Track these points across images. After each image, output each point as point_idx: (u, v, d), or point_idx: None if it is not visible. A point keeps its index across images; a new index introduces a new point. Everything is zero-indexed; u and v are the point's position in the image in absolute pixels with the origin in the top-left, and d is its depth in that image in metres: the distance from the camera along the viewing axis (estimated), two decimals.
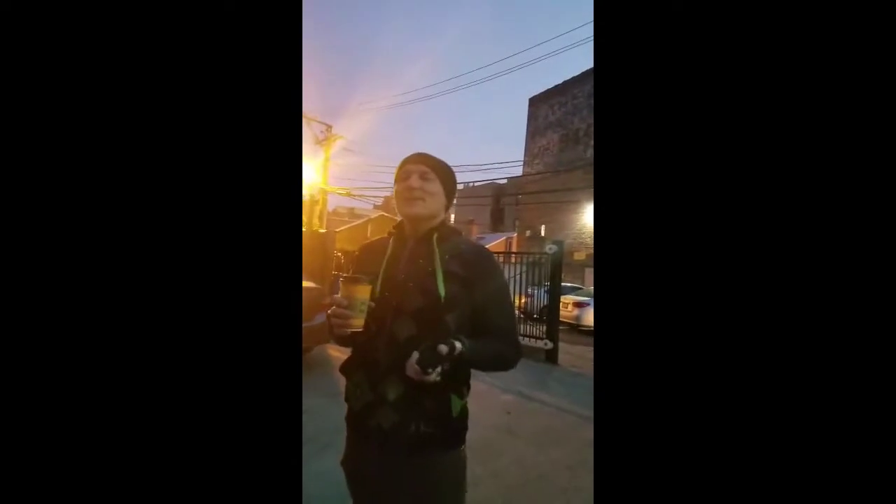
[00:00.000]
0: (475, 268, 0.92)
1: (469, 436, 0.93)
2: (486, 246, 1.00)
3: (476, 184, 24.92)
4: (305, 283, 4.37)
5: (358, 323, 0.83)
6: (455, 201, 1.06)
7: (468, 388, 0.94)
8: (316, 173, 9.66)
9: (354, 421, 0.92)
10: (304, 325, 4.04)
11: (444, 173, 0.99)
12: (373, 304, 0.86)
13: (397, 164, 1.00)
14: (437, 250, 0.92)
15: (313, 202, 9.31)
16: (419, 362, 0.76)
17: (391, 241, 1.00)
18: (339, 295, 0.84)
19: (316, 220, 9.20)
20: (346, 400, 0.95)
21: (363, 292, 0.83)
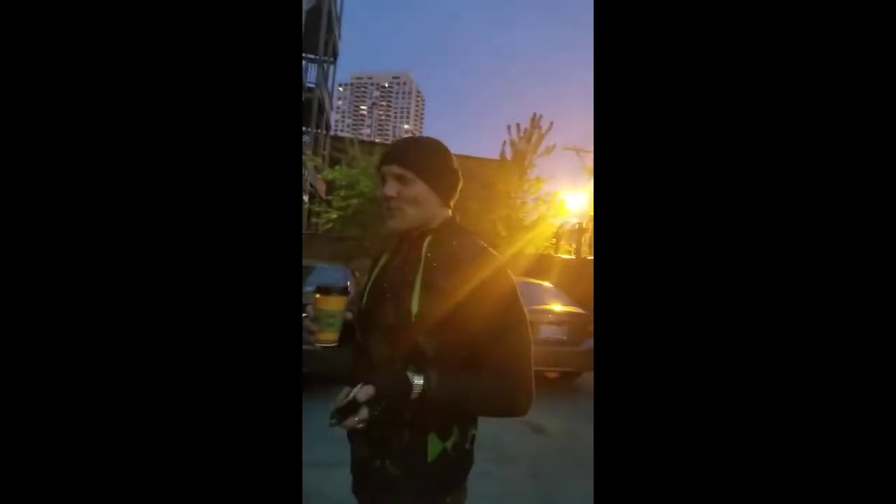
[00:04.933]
0: (462, 277, 0.71)
1: None
2: None
3: None
4: (574, 309, 4.09)
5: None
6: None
7: (462, 429, 0.74)
8: (587, 202, 9.44)
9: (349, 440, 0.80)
10: (571, 349, 3.87)
11: (429, 168, 0.77)
12: (349, 316, 0.78)
13: None
14: (424, 257, 0.76)
15: (582, 230, 9.15)
16: (337, 409, 0.62)
17: (390, 245, 0.86)
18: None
19: (585, 248, 9.07)
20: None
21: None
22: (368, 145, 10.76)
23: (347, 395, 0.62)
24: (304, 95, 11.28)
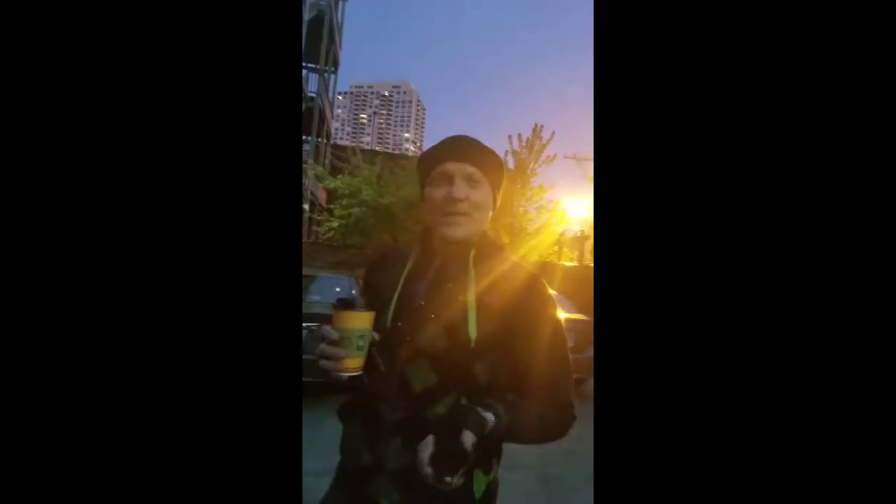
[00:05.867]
0: (521, 302, 0.67)
1: None
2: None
3: None
4: (578, 316, 4.03)
5: (353, 364, 0.61)
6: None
7: (499, 459, 0.70)
8: (588, 209, 9.44)
9: (344, 480, 0.71)
10: (577, 356, 3.73)
11: (495, 171, 0.71)
12: (377, 337, 0.64)
13: None
14: (473, 273, 0.68)
15: (584, 237, 9.19)
16: (434, 465, 0.54)
17: (415, 251, 0.74)
18: (330, 326, 0.62)
19: (587, 255, 9.13)
20: (341, 451, 0.73)
21: (360, 321, 0.62)
22: (370, 154, 10.80)
23: (430, 446, 0.54)
24: (305, 104, 11.34)
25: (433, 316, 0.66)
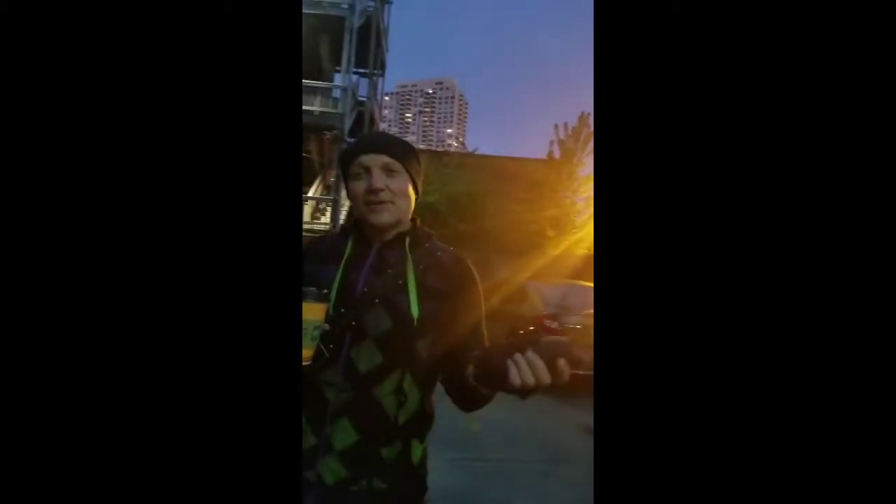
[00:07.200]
0: (454, 281, 0.75)
1: None
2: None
3: None
4: None
5: (307, 353, 0.64)
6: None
7: (429, 429, 0.78)
8: None
9: None
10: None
11: (410, 160, 0.77)
12: (327, 327, 0.68)
13: None
14: (410, 258, 0.75)
15: None
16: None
17: (350, 241, 0.79)
18: None
19: None
20: None
21: (316, 313, 0.65)
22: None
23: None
24: (357, 109, 11.86)
25: (377, 301, 0.72)
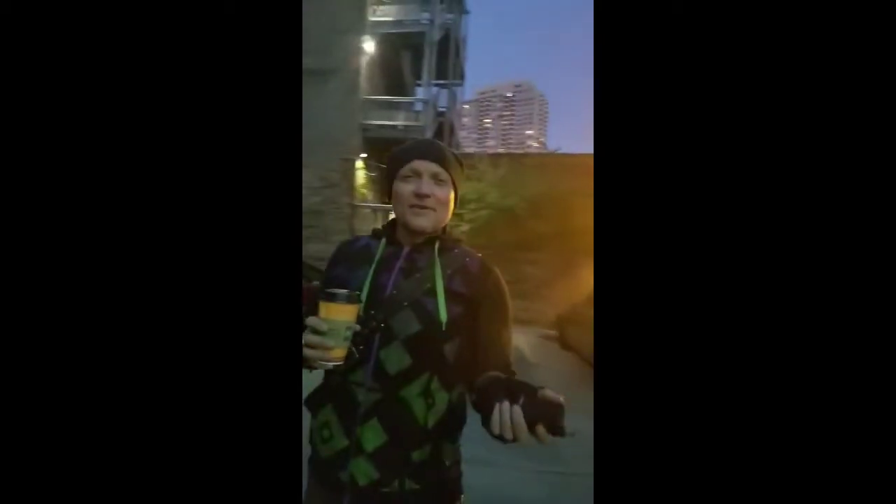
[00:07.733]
0: (481, 288, 0.76)
1: None
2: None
3: None
4: None
5: (339, 354, 0.65)
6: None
7: (461, 430, 0.78)
8: None
9: (320, 470, 0.75)
10: None
11: (458, 173, 0.80)
12: (358, 328, 0.68)
13: None
14: (438, 263, 0.76)
15: None
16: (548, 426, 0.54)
17: (381, 243, 0.80)
18: (316, 317, 0.64)
19: None
20: (311, 442, 0.76)
21: (349, 314, 0.65)
22: (495, 157, 11.19)
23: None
24: (438, 120, 12.25)
25: (405, 303, 0.73)
